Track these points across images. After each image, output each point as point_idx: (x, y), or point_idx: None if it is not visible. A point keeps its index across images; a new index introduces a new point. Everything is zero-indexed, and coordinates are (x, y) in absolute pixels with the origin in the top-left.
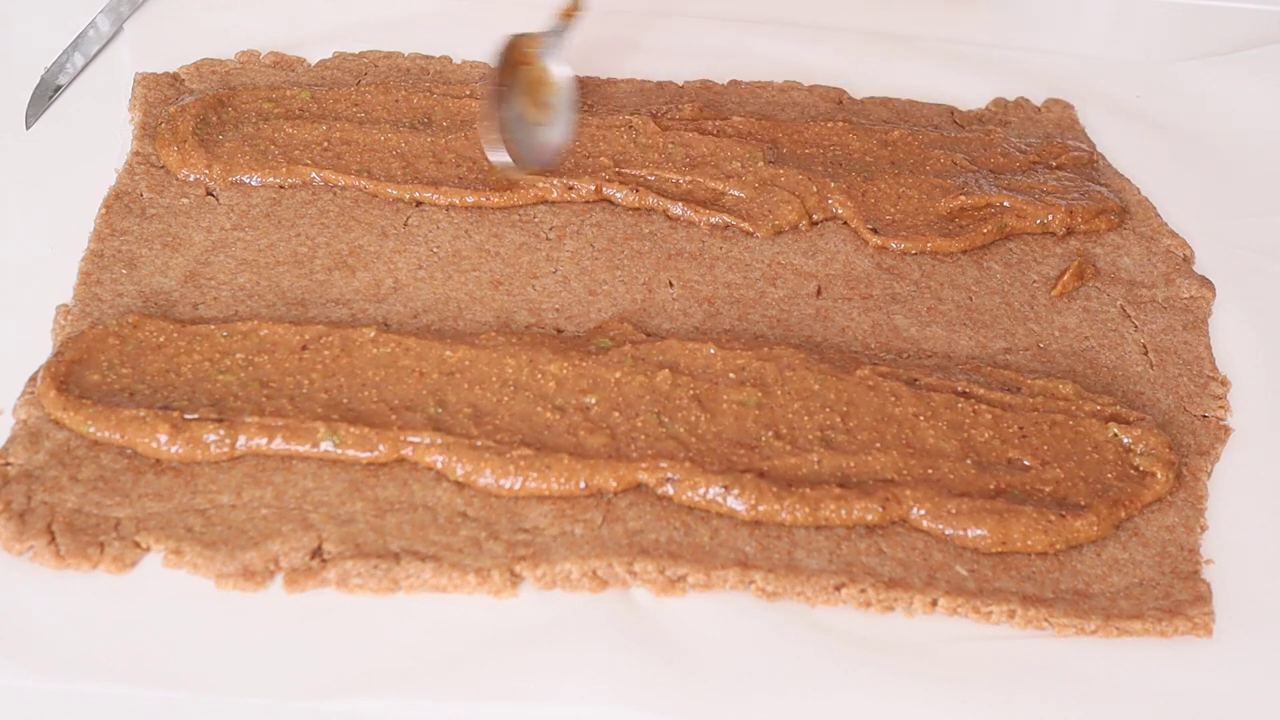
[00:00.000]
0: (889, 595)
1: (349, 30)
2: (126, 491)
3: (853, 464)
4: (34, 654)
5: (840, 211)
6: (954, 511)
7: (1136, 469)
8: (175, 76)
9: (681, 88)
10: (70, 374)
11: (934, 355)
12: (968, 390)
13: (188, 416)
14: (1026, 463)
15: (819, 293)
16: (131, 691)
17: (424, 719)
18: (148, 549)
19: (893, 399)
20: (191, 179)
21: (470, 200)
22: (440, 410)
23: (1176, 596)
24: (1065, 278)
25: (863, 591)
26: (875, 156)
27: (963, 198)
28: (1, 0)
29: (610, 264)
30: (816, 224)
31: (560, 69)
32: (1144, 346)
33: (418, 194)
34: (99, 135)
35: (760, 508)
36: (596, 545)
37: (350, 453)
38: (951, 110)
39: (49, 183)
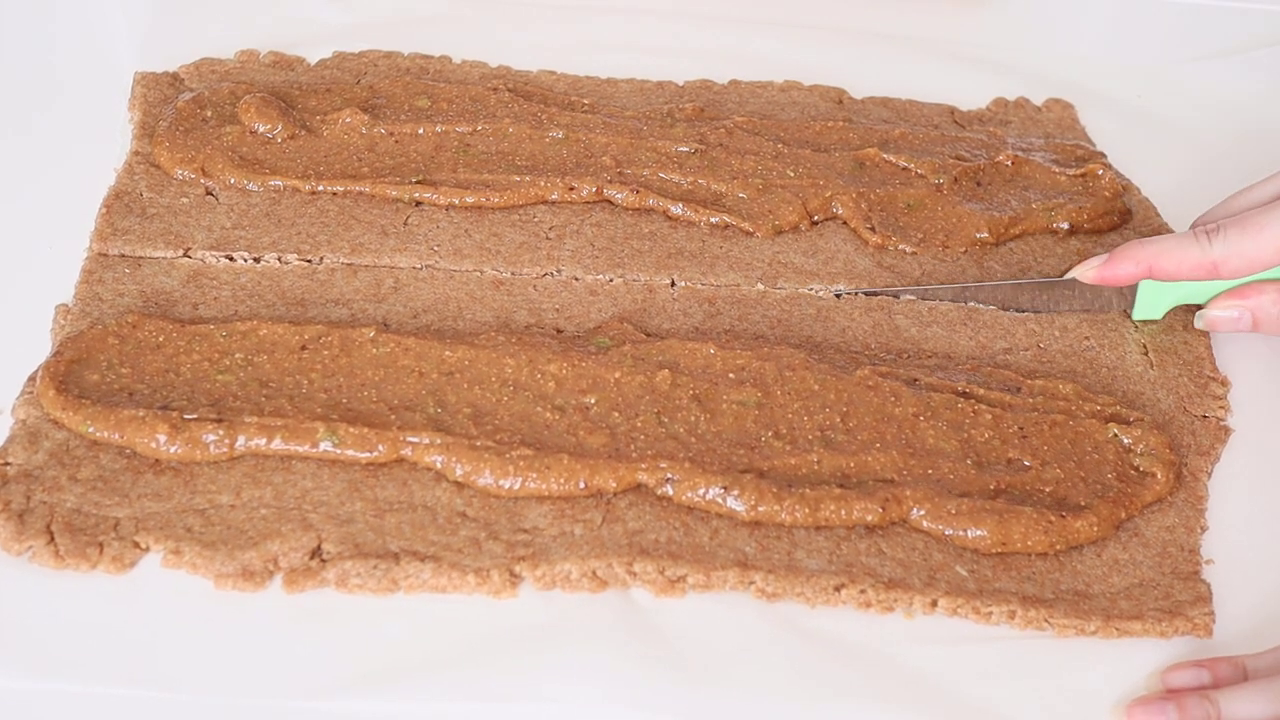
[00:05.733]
0: (889, 596)
1: (349, 30)
2: (126, 491)
3: (853, 464)
4: (32, 654)
5: (840, 211)
6: (954, 512)
7: (1137, 469)
8: (175, 76)
9: (681, 88)
10: (69, 374)
11: (934, 355)
12: (968, 390)
13: (187, 416)
14: (1026, 463)
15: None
16: (130, 692)
17: (424, 719)
18: (147, 549)
19: (893, 399)
20: (189, 178)
21: (470, 200)
22: (440, 410)
23: (1177, 597)
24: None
25: (862, 592)
26: (875, 158)
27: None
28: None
29: (611, 264)
30: (817, 224)
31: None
32: (1144, 346)
33: (417, 194)
34: (99, 135)
35: (760, 508)
36: (596, 545)
37: (350, 453)
38: (952, 110)
39: (49, 182)
